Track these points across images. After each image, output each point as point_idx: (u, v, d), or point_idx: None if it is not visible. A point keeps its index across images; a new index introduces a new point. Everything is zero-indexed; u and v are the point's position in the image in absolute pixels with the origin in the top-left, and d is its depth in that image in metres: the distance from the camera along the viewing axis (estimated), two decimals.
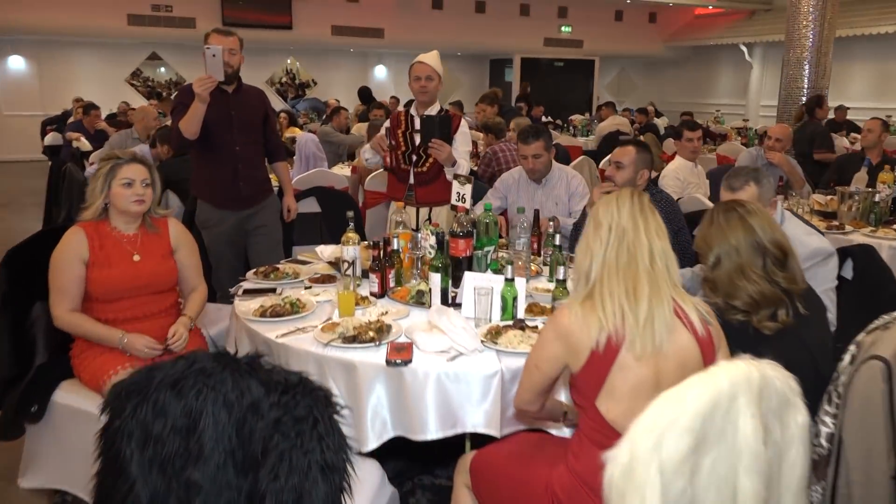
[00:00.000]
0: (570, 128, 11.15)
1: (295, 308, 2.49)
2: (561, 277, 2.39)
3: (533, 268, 2.97)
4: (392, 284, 2.74)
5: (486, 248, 2.79)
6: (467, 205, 2.94)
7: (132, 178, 2.59)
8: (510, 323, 2.30)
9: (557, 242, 2.88)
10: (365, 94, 10.11)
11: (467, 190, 2.92)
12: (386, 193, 3.91)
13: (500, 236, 3.04)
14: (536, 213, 3.34)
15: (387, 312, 2.48)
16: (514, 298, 2.38)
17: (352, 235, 2.82)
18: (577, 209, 3.71)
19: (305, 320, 2.43)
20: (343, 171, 6.42)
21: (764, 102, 15.91)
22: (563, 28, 16.52)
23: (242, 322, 2.45)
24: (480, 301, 2.35)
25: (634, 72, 18.99)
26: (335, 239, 4.18)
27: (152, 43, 13.63)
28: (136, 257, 2.65)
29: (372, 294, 2.67)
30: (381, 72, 16.29)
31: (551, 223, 3.11)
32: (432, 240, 2.83)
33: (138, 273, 2.64)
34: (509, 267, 2.36)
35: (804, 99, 7.18)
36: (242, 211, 3.54)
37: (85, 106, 8.64)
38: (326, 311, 2.54)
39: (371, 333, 2.20)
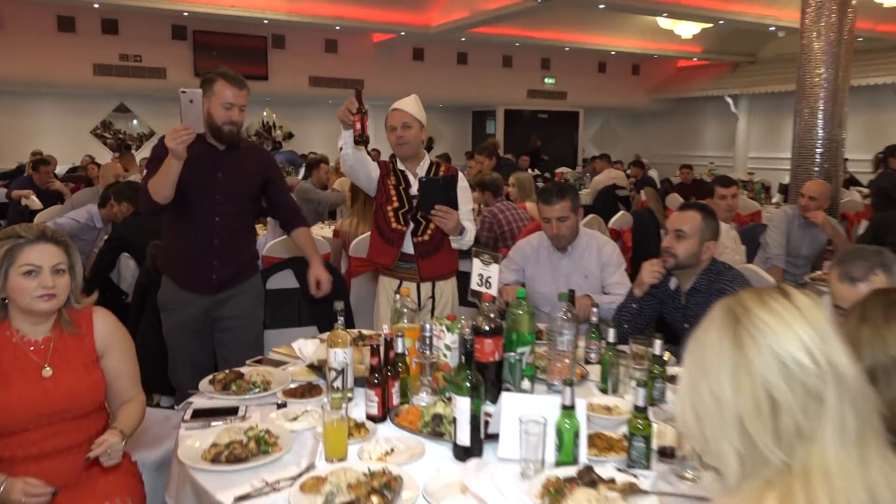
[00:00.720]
0: (562, 180, 10.62)
1: (263, 447, 1.76)
2: (640, 404, 1.69)
3: (577, 370, 2.28)
4: (396, 402, 2.02)
5: (520, 350, 2.10)
6: (493, 291, 2.25)
7: (38, 265, 1.88)
8: (572, 472, 1.60)
9: (612, 339, 2.20)
10: None
11: (493, 272, 2.24)
12: (370, 259, 3.23)
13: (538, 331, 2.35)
14: (572, 293, 2.66)
15: (393, 450, 1.76)
16: (576, 434, 1.68)
17: (341, 335, 2.11)
18: (611, 283, 3.06)
19: (276, 468, 1.70)
20: (323, 231, 5.73)
21: (752, 154, 15.67)
22: (546, 80, 16.35)
23: (187, 471, 1.71)
24: (529, 440, 1.64)
25: (619, 123, 18.81)
26: (315, 320, 3.51)
27: (120, 94, 12.98)
28: (47, 371, 1.95)
29: (370, 418, 1.96)
30: None
31: (594, 309, 2.43)
32: (448, 338, 2.14)
33: (49, 394, 1.92)
34: (568, 391, 1.66)
35: (819, 150, 6.70)
36: (213, 296, 2.83)
37: (35, 161, 7.89)
38: (307, 447, 1.82)
39: (375, 501, 1.48)
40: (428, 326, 2.18)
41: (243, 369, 2.33)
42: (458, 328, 2.14)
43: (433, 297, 3.15)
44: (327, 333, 2.67)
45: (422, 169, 3.14)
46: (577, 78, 16.35)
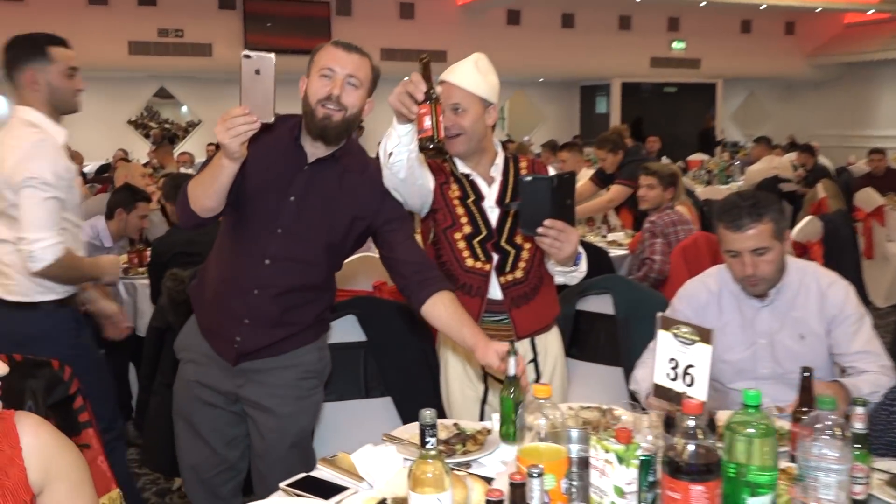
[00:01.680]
0: (703, 172, 9.81)
1: None
2: None
3: None
4: None
5: (752, 502, 1.37)
6: (700, 393, 1.52)
7: None
8: None
9: None
10: None
11: (699, 357, 1.49)
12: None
13: None
14: (808, 375, 1.89)
15: None
16: None
17: (434, 468, 1.43)
18: (853, 352, 2.27)
19: None
20: None
21: None
22: (674, 44, 15.67)
23: None
24: None
25: (768, 97, 17.70)
26: (390, 388, 2.87)
27: (159, 76, 12.94)
28: None
29: None
30: None
31: (858, 410, 1.66)
32: (622, 475, 1.42)
33: None
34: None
35: None
36: (234, 365, 2.24)
37: None
38: None
39: None
40: (574, 435, 1.49)
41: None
42: (637, 455, 1.43)
43: (535, 360, 2.46)
44: (408, 431, 2.03)
45: (497, 168, 2.45)
46: (713, 41, 15.56)
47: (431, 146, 2.03)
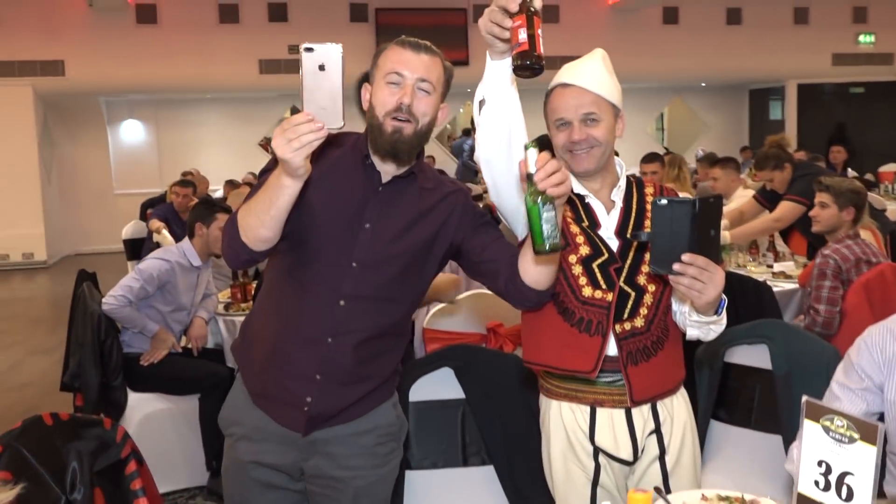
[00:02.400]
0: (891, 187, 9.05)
1: None
2: None
3: None
4: None
5: None
6: None
7: None
8: None
9: None
10: None
11: (858, 458, 1.17)
12: (544, 365, 2.21)
13: None
14: None
15: None
16: None
17: None
18: None
19: None
20: None
21: None
22: (862, 38, 14.79)
23: None
24: None
25: None
26: (493, 455, 2.62)
27: (290, 94, 13.36)
28: None
29: None
30: None
31: None
32: None
33: None
34: None
35: None
36: (304, 435, 2.05)
37: (183, 181, 7.96)
38: None
39: None
40: None
41: None
42: None
43: (658, 430, 2.11)
44: None
45: (619, 192, 2.14)
46: None
47: (529, 63, 1.76)
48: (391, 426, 2.13)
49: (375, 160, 1.98)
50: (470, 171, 11.83)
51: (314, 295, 2.00)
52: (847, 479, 1.24)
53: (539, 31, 1.72)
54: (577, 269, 2.07)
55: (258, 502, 2.12)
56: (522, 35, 1.71)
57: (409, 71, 1.89)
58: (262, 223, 1.84)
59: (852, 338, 2.22)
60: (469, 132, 14.63)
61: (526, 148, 1.69)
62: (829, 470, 1.26)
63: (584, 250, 2.07)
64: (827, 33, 14.44)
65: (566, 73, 2.09)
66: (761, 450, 2.73)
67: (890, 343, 2.06)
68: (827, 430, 1.27)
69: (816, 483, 1.28)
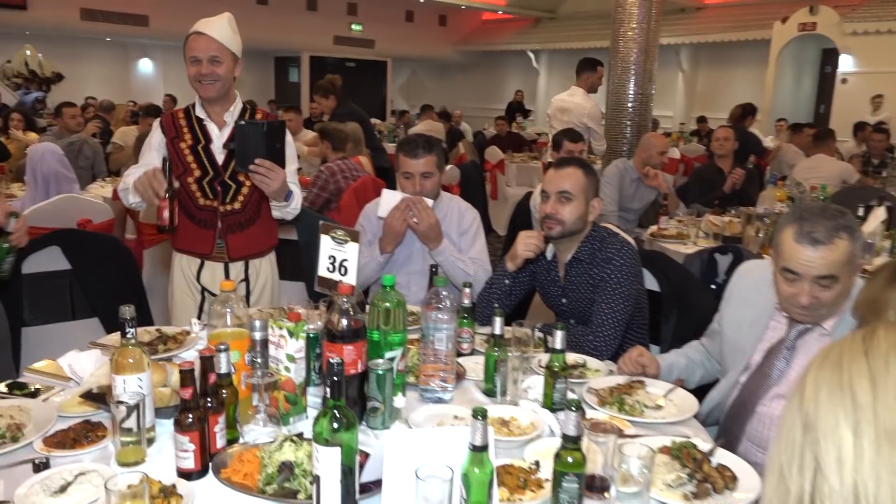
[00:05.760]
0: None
1: None
2: (572, 432, 1.24)
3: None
4: (221, 445, 1.41)
5: (389, 355, 1.58)
6: (351, 278, 1.68)
7: None
8: None
9: (498, 331, 1.74)
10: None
11: (350, 253, 1.67)
12: (182, 250, 2.49)
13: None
14: (433, 270, 2.17)
15: None
16: (489, 482, 1.20)
17: (133, 353, 1.43)
18: (469, 257, 2.58)
19: None
20: (104, 190, 4.71)
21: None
22: (353, 26, 15.68)
23: None
24: (429, 500, 1.14)
25: (426, 75, 18.54)
26: (97, 309, 2.70)
27: None
28: None
29: (183, 475, 1.33)
30: (146, 66, 14.04)
31: (467, 290, 1.95)
32: (292, 346, 1.55)
33: None
34: (479, 426, 1.17)
35: (632, 104, 6.81)
36: None
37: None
38: None
39: None
40: (258, 324, 1.58)
41: None
42: (304, 331, 1.56)
43: (246, 279, 2.51)
44: (112, 337, 1.97)
45: (232, 115, 2.44)
46: (384, 26, 15.89)
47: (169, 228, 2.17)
48: None
49: None
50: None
51: None
52: (343, 264, 1.73)
53: (176, 208, 2.20)
54: (194, 188, 2.35)
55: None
56: (165, 214, 2.13)
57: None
58: None
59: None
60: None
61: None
62: (334, 260, 1.74)
63: (198, 172, 2.36)
64: (330, 20, 15.05)
65: (201, 24, 2.30)
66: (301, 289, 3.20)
67: (373, 212, 2.62)
68: (331, 235, 1.74)
69: (328, 268, 1.75)
